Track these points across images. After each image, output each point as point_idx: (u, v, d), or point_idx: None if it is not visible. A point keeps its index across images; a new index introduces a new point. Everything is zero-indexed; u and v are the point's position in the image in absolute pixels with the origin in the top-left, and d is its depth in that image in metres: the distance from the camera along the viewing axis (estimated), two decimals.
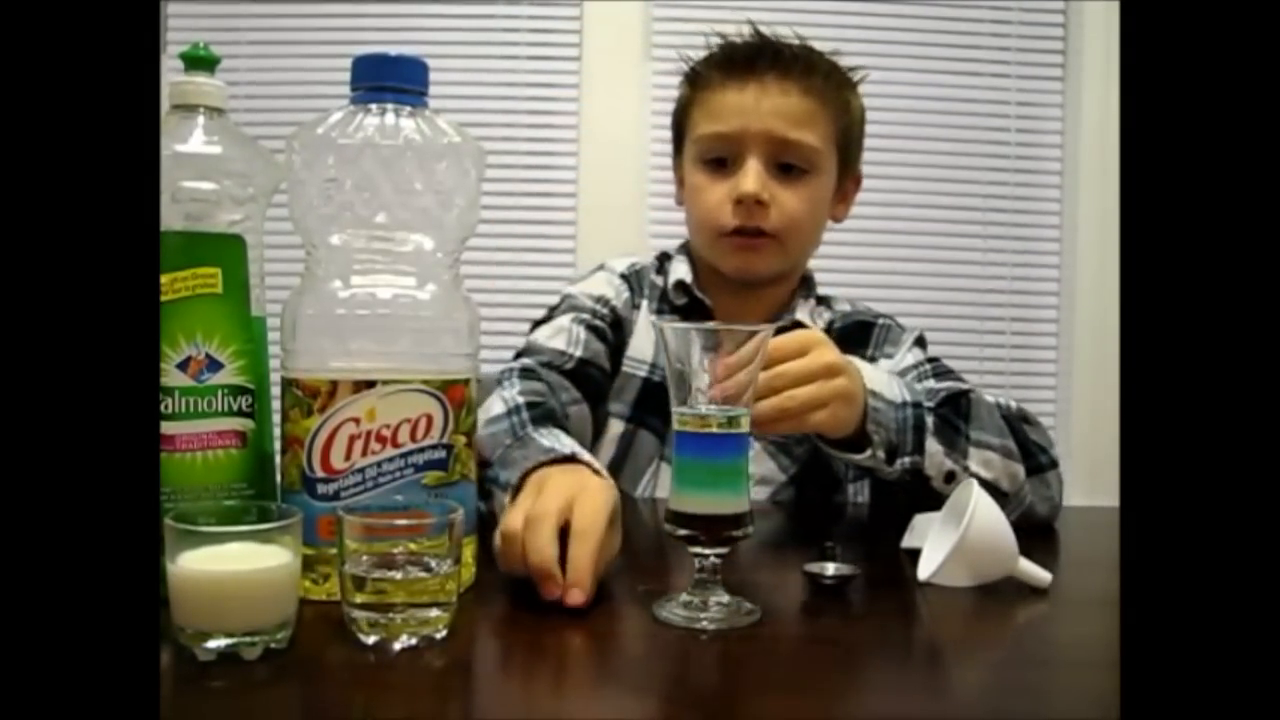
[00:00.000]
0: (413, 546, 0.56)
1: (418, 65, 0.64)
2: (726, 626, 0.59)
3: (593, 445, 1.04)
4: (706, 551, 0.61)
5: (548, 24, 1.93)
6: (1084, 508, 0.98)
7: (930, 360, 1.05)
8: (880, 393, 0.84)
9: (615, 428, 1.04)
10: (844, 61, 1.07)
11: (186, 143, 0.61)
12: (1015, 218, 1.98)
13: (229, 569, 0.53)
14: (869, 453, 0.84)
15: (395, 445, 0.61)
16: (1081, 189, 1.93)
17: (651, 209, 1.91)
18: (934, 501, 0.79)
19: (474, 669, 0.56)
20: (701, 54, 1.09)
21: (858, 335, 1.10)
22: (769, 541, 0.87)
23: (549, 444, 0.73)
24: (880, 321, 1.12)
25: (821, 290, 1.14)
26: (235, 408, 0.61)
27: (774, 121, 1.00)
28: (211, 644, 0.52)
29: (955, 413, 0.86)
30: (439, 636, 0.55)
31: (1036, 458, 0.90)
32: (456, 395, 0.63)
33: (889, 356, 1.08)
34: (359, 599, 0.54)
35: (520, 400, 0.83)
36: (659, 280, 1.13)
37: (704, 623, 0.60)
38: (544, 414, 0.82)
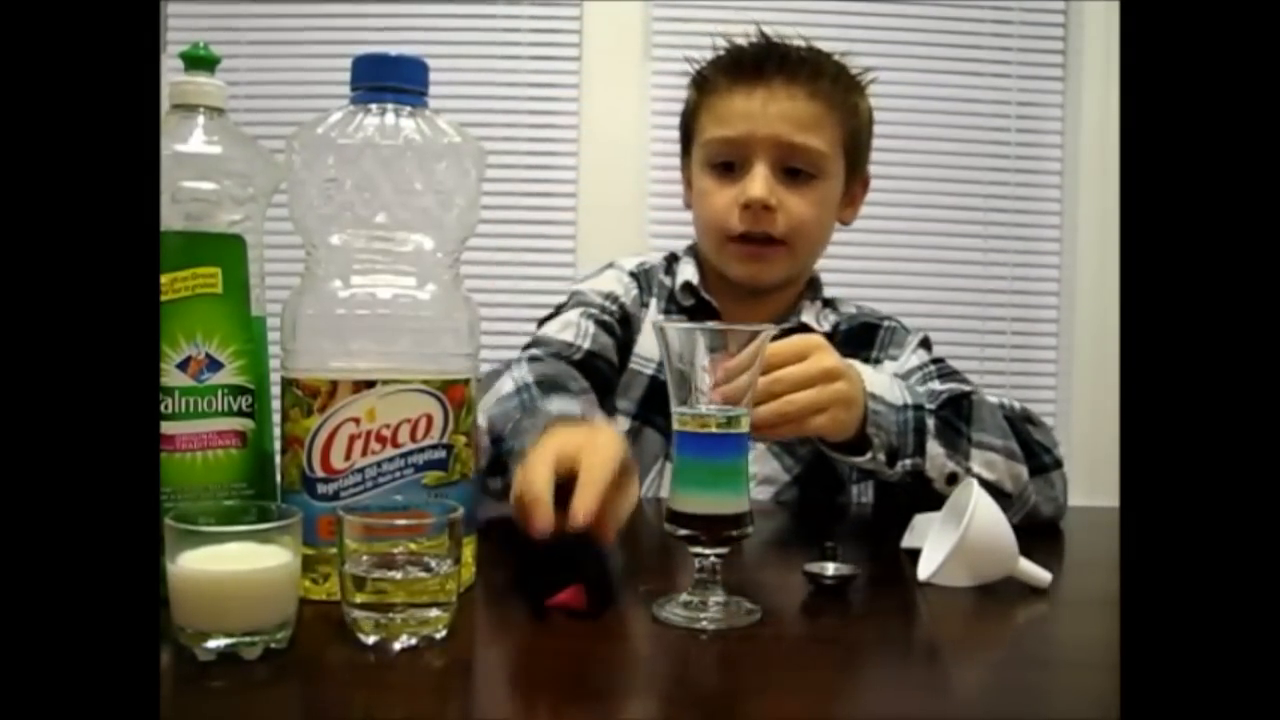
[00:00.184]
0: (413, 546, 0.56)
1: (418, 65, 0.64)
2: (726, 626, 0.59)
3: None
4: (707, 551, 0.61)
5: (548, 24, 1.93)
6: (1084, 508, 0.98)
7: (935, 361, 1.05)
8: (881, 395, 0.84)
9: (621, 425, 1.04)
10: (850, 63, 1.07)
11: (186, 143, 0.61)
12: (1016, 217, 1.98)
13: (229, 569, 0.53)
14: (869, 455, 0.84)
15: (395, 445, 0.61)
16: (1081, 189, 1.93)
17: (651, 209, 1.91)
18: (936, 502, 0.79)
19: (474, 669, 0.56)
20: (708, 58, 1.08)
21: (863, 337, 1.10)
22: (769, 541, 0.87)
23: (560, 409, 0.73)
24: (885, 324, 1.12)
25: (824, 291, 1.15)
26: (235, 408, 0.61)
27: (781, 126, 1.00)
28: (211, 644, 0.52)
29: (956, 414, 0.87)
30: (439, 636, 0.55)
31: (1040, 458, 0.90)
32: (456, 395, 0.63)
33: (894, 358, 1.08)
34: (359, 599, 0.54)
35: (530, 379, 0.84)
36: (667, 280, 1.13)
37: (704, 623, 0.60)
38: (554, 386, 0.82)
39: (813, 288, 1.12)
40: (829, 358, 0.81)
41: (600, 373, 1.02)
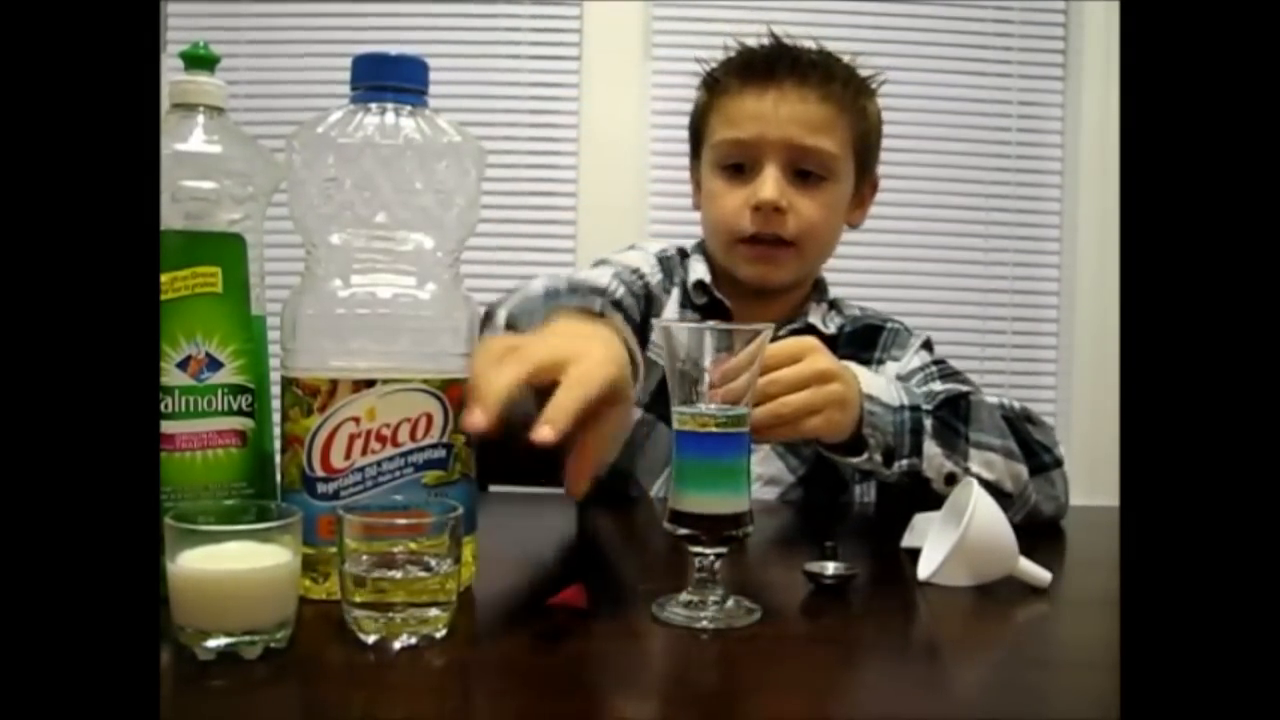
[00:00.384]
0: (413, 546, 0.56)
1: (418, 65, 0.64)
2: (726, 626, 0.59)
3: None
4: (707, 551, 0.61)
5: (548, 24, 1.93)
6: (1084, 507, 0.98)
7: (936, 362, 1.06)
8: (877, 396, 0.84)
9: (632, 414, 1.04)
10: (860, 66, 1.07)
11: (186, 142, 0.61)
12: (1016, 217, 1.98)
13: (229, 568, 0.53)
14: (866, 456, 0.84)
15: (395, 444, 0.61)
16: (1081, 189, 1.93)
17: (652, 209, 1.91)
18: (937, 502, 0.79)
19: (474, 668, 0.56)
20: (718, 59, 1.08)
21: (866, 339, 1.10)
22: (770, 541, 0.87)
23: (579, 303, 0.72)
24: (889, 325, 1.13)
25: (829, 292, 1.15)
26: (235, 407, 0.61)
27: (792, 128, 1.00)
28: (211, 643, 0.52)
29: (954, 415, 0.87)
30: (439, 636, 0.55)
31: (1040, 457, 0.90)
32: (456, 395, 0.63)
33: (896, 360, 1.08)
34: (359, 598, 0.54)
35: (563, 286, 0.83)
36: (681, 273, 1.12)
37: (704, 622, 0.60)
38: (587, 294, 0.80)
39: (818, 289, 1.12)
40: (823, 360, 0.81)
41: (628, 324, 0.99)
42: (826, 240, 1.06)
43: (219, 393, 0.60)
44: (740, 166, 1.03)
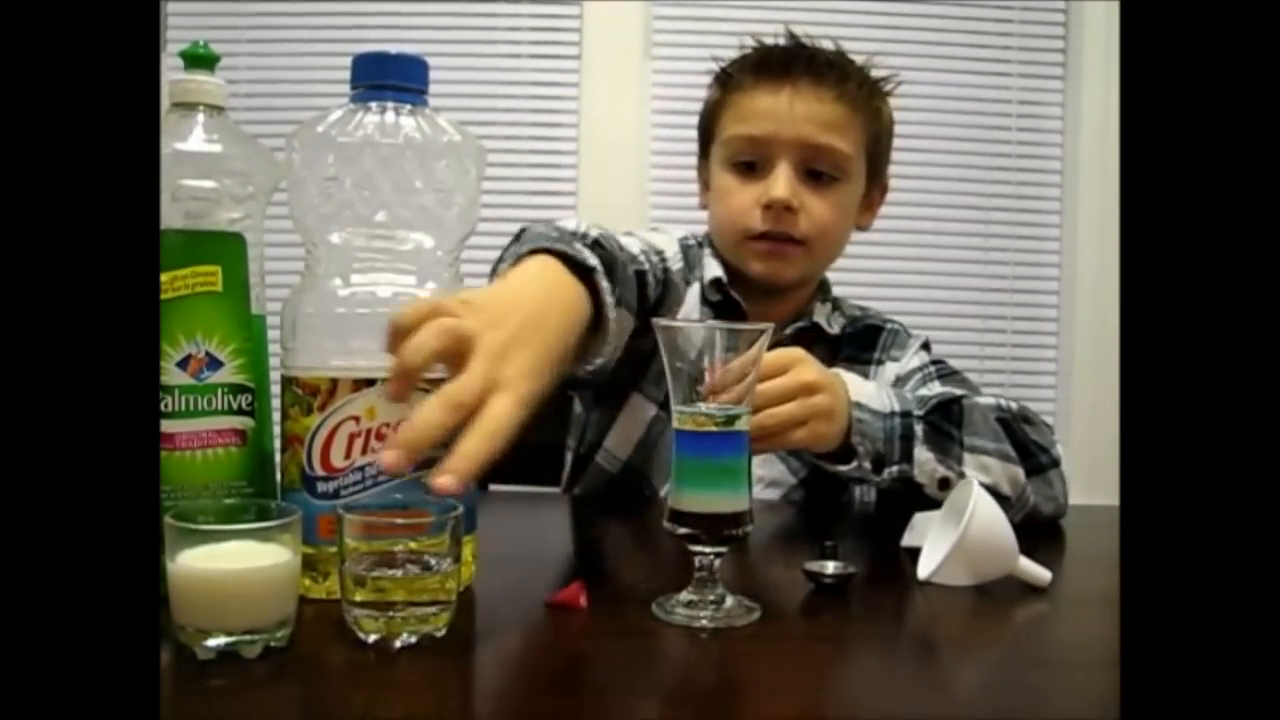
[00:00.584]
0: (413, 545, 0.56)
1: (418, 64, 0.64)
2: (726, 626, 0.59)
3: (620, 423, 1.02)
4: (707, 550, 0.61)
5: (548, 23, 1.93)
6: (1084, 507, 0.98)
7: (935, 362, 1.06)
8: (866, 404, 0.85)
9: (646, 410, 1.02)
10: (876, 68, 1.06)
11: (186, 141, 0.61)
12: (1016, 217, 1.98)
13: (229, 567, 0.53)
14: (855, 464, 0.84)
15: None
16: (1081, 189, 1.93)
17: (652, 208, 1.91)
18: (937, 502, 0.79)
19: (474, 667, 0.56)
20: (732, 56, 1.07)
21: (866, 339, 1.11)
22: (770, 540, 0.87)
23: (576, 250, 0.68)
24: (888, 326, 1.13)
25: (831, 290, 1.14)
26: (235, 406, 0.61)
27: (806, 127, 0.99)
28: (211, 642, 0.52)
29: (947, 419, 0.87)
30: (439, 635, 0.55)
31: (1037, 458, 0.90)
32: None
33: (895, 360, 1.08)
34: (359, 597, 0.54)
35: (594, 233, 0.77)
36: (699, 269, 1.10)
37: (704, 622, 0.60)
38: (601, 257, 0.72)
39: (822, 288, 1.12)
40: (808, 371, 0.82)
41: (646, 295, 0.90)
42: (836, 240, 1.06)
43: (219, 392, 0.60)
44: (752, 164, 1.02)
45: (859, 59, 1.05)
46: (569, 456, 1.11)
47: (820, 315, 1.08)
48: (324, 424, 0.60)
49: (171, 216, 0.60)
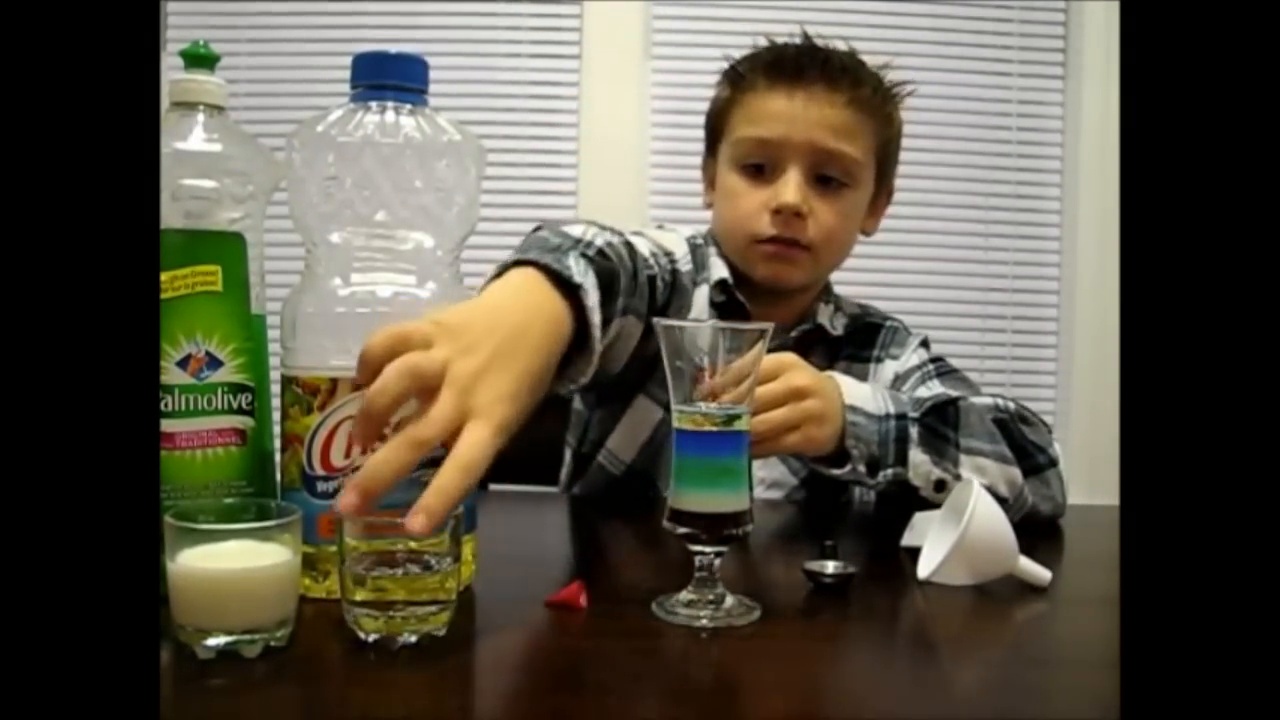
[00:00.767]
0: (413, 544, 0.56)
1: (418, 63, 0.64)
2: (726, 625, 0.60)
3: (624, 425, 1.02)
4: (707, 550, 0.61)
5: (548, 23, 1.93)
6: (1084, 507, 0.98)
7: (934, 360, 1.06)
8: (860, 407, 0.85)
9: (653, 413, 1.01)
10: (889, 73, 1.06)
11: (186, 140, 0.61)
12: (1016, 217, 1.98)
13: (229, 567, 0.53)
14: (849, 468, 0.84)
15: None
16: (1081, 188, 1.93)
17: (652, 208, 1.91)
18: (936, 503, 0.79)
19: (474, 667, 0.56)
20: (741, 55, 1.06)
21: (865, 337, 1.11)
22: (770, 539, 0.87)
23: (564, 265, 0.65)
24: (888, 324, 1.13)
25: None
26: (235, 405, 0.61)
27: (818, 132, 0.98)
28: (211, 642, 0.52)
29: (942, 421, 0.87)
30: (439, 634, 0.55)
31: (1034, 458, 0.90)
32: None
33: (895, 358, 1.08)
34: (359, 597, 0.54)
35: (600, 242, 0.73)
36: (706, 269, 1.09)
37: (704, 622, 0.60)
38: (602, 268, 0.70)
39: (825, 289, 1.12)
40: (800, 376, 0.82)
41: (655, 298, 0.89)
42: (842, 246, 1.06)
43: (219, 391, 0.60)
44: (760, 167, 1.01)
45: (872, 62, 1.05)
46: (568, 454, 1.11)
47: (824, 316, 1.08)
48: (324, 423, 0.60)
49: (171, 216, 0.60)
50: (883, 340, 1.11)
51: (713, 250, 1.08)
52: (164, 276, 0.58)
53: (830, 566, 0.68)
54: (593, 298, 0.66)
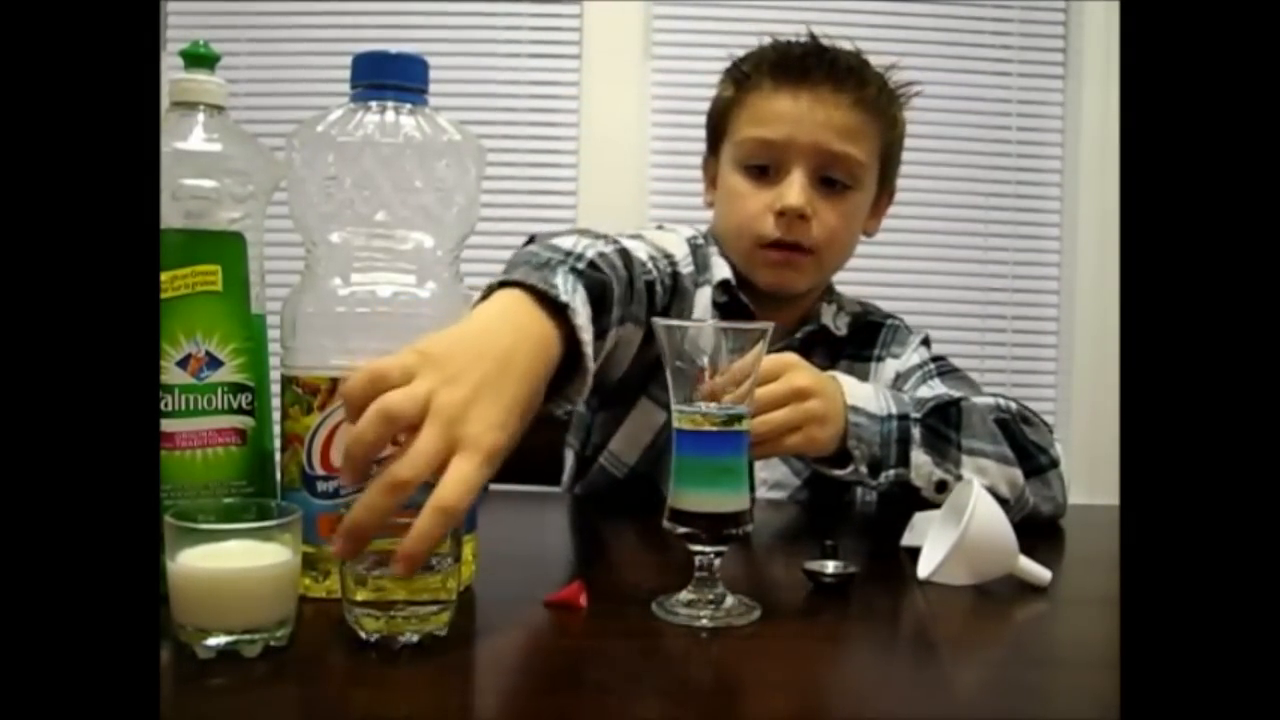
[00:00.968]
0: None
1: (418, 63, 0.64)
2: (726, 625, 0.60)
3: (627, 427, 1.02)
4: (707, 549, 0.61)
5: (548, 23, 1.93)
6: (1084, 507, 0.98)
7: (935, 359, 1.06)
8: (862, 407, 0.84)
9: (656, 416, 1.00)
10: (894, 74, 1.06)
11: (186, 140, 0.61)
12: (1016, 216, 1.98)
13: (229, 566, 0.53)
14: (851, 469, 0.84)
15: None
16: (1081, 188, 1.93)
17: (652, 208, 1.91)
18: (937, 503, 0.79)
19: (475, 667, 0.56)
20: (743, 54, 1.06)
21: (866, 335, 1.10)
22: (770, 539, 0.87)
23: (551, 285, 0.62)
24: (889, 323, 1.13)
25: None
26: (235, 405, 0.61)
27: (823, 133, 0.98)
28: (211, 641, 0.52)
29: (944, 422, 0.87)
30: (440, 634, 0.55)
31: (1035, 459, 0.90)
32: None
33: (895, 357, 1.08)
34: (360, 596, 0.54)
35: (591, 253, 0.71)
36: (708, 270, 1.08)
37: (704, 621, 0.60)
38: (594, 281, 0.69)
39: (828, 289, 1.12)
40: (801, 376, 0.81)
41: (654, 305, 0.87)
42: (845, 248, 1.05)
43: (219, 391, 0.60)
44: (765, 168, 1.01)
45: (877, 61, 1.04)
46: (570, 455, 1.11)
47: (827, 316, 1.08)
48: (324, 423, 0.60)
49: (171, 216, 0.60)
50: (884, 339, 1.11)
51: (714, 250, 1.07)
52: (164, 276, 0.58)
53: (830, 566, 0.68)
54: (582, 316, 0.64)
